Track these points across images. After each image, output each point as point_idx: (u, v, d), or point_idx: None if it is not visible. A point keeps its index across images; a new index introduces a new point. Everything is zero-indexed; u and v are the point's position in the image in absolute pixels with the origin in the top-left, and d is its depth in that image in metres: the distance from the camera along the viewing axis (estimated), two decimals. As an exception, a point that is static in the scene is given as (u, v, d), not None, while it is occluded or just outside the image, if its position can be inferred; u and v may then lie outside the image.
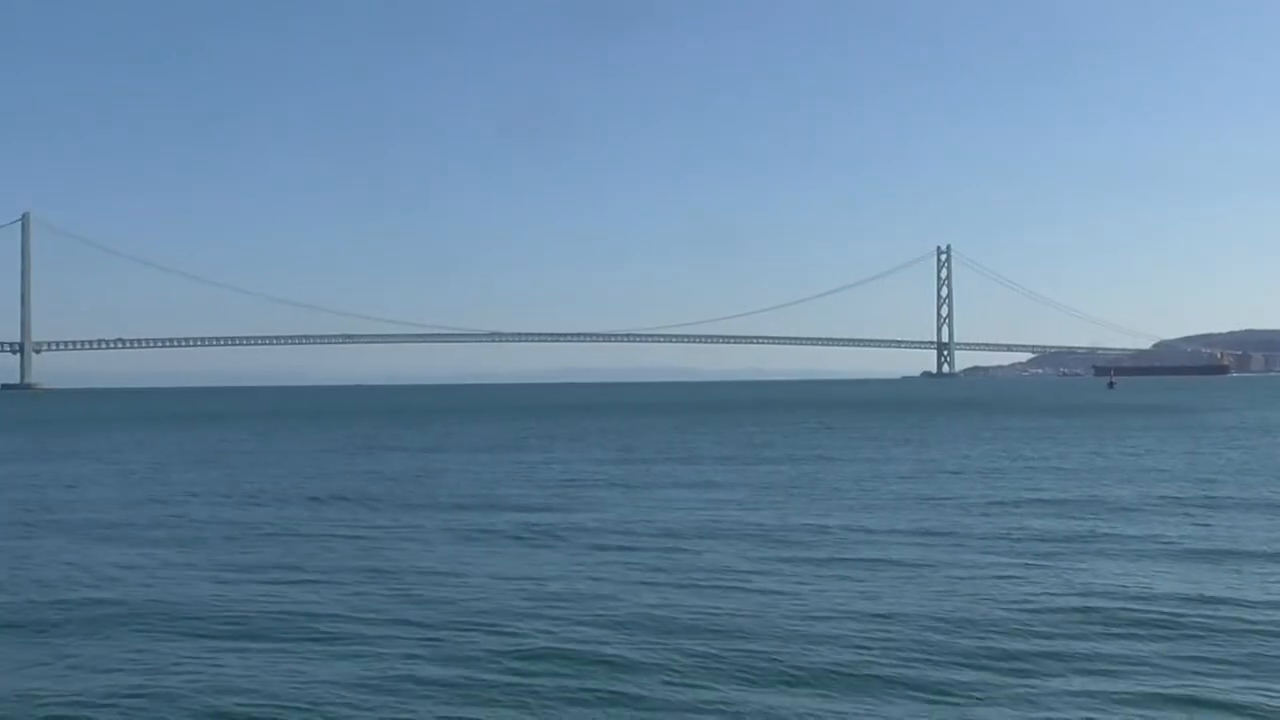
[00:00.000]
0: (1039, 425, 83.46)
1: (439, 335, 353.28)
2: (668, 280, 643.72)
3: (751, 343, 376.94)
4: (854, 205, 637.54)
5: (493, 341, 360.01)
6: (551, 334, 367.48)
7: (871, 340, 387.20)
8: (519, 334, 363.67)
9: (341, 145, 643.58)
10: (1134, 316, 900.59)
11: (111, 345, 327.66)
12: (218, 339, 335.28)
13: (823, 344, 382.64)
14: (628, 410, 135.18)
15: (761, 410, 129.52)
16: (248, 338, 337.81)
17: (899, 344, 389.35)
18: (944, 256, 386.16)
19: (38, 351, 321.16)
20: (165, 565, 24.88)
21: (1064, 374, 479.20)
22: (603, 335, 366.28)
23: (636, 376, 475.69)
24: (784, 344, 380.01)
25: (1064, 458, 51.58)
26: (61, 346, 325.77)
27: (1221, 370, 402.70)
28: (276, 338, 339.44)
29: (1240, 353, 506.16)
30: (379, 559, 25.15)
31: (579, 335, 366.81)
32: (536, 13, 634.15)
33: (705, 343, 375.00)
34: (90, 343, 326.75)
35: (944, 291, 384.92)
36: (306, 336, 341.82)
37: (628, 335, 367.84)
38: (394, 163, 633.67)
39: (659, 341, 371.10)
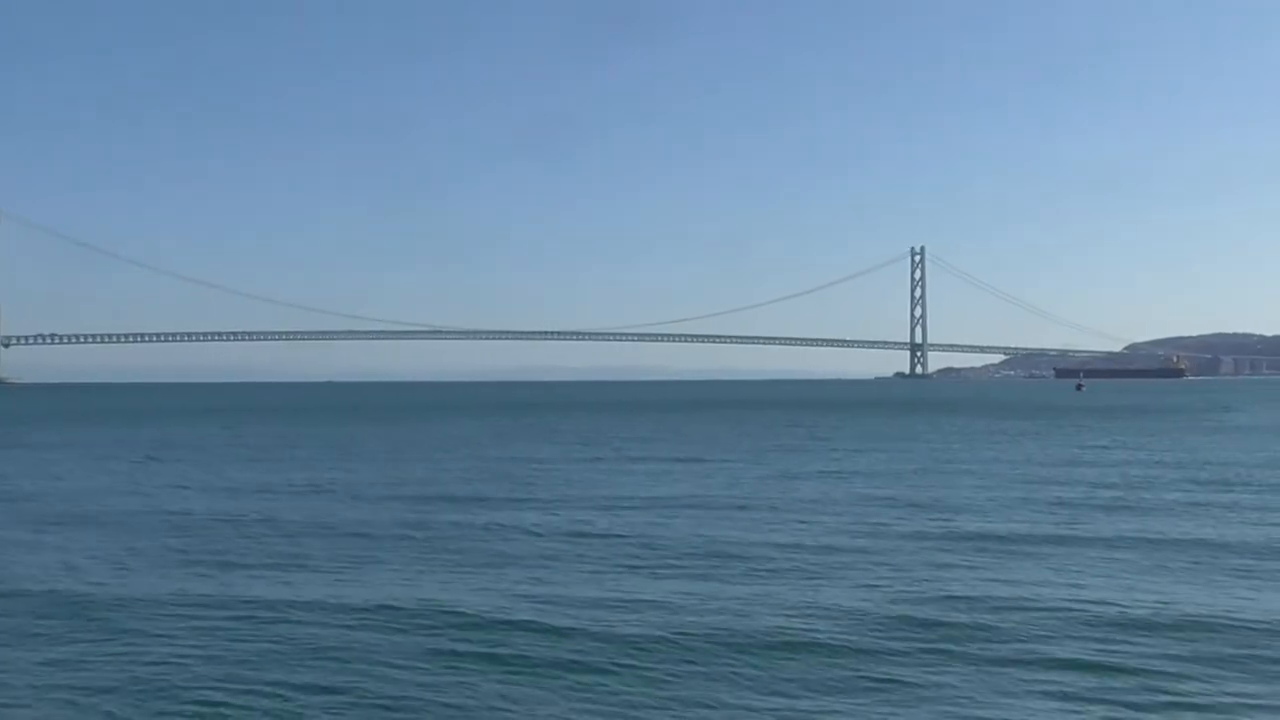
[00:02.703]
0: (986, 426, 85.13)
1: (418, 332, 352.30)
2: (643, 281, 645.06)
3: (725, 343, 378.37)
4: (829, 206, 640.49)
5: (466, 339, 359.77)
6: (510, 331, 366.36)
7: (845, 341, 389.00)
8: (491, 331, 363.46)
9: (333, 144, 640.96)
10: (1106, 319, 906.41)
11: (82, 340, 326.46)
12: (188, 334, 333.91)
13: (797, 344, 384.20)
14: (591, 409, 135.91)
15: (721, 409, 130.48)
16: (220, 333, 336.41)
17: (873, 345, 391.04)
18: (918, 258, 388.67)
19: (6, 345, 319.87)
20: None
21: (1031, 376, 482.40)
22: (574, 333, 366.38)
23: (611, 375, 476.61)
24: (758, 344, 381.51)
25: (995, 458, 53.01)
26: (30, 340, 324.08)
27: (1177, 374, 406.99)
28: (258, 334, 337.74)
29: (1210, 356, 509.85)
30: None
31: (551, 333, 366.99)
32: (540, 17, 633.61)
33: (681, 342, 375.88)
34: (61, 337, 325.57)
35: (918, 293, 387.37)
36: (290, 333, 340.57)
37: (600, 334, 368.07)
38: (391, 160, 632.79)
39: (634, 341, 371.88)
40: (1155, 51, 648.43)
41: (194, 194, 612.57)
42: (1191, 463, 49.20)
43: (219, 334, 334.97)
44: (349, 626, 18.44)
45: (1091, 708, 14.21)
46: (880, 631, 17.77)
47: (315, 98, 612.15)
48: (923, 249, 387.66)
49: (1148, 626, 17.92)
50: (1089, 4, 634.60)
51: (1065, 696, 14.60)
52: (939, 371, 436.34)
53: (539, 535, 28.43)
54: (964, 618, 18.57)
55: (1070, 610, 18.98)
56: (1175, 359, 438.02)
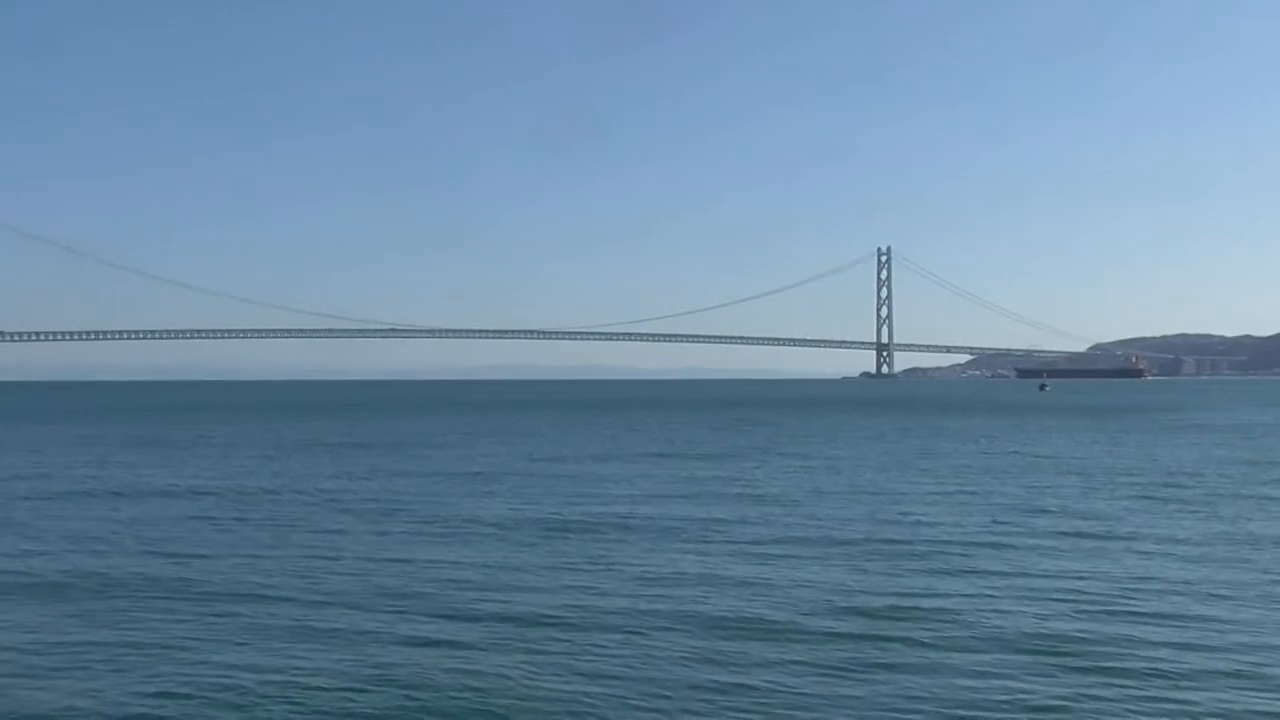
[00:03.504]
0: (942, 425, 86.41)
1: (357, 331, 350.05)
2: (613, 279, 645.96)
3: (692, 342, 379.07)
4: (796, 206, 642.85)
5: (429, 338, 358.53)
6: (476, 330, 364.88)
7: (812, 340, 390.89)
8: (455, 330, 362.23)
9: (311, 138, 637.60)
10: (1071, 320, 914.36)
11: (33, 338, 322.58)
12: (144, 332, 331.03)
13: (763, 344, 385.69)
14: (555, 407, 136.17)
15: (674, 409, 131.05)
16: (176, 332, 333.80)
17: (839, 345, 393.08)
18: (884, 258, 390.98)
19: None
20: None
21: (994, 376, 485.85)
22: (541, 333, 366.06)
23: (578, 375, 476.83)
24: (724, 344, 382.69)
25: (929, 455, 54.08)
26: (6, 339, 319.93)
27: (1137, 374, 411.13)
28: (208, 331, 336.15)
29: (1172, 356, 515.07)
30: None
31: (521, 333, 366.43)
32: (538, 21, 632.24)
33: (648, 341, 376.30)
34: (10, 335, 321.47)
35: (884, 293, 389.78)
36: (250, 331, 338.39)
37: (566, 333, 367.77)
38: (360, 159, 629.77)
39: (600, 340, 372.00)
40: (1120, 55, 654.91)
41: (155, 189, 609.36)
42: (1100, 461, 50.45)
43: (182, 332, 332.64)
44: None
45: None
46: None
47: (289, 89, 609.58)
48: (889, 249, 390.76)
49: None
50: (1054, 8, 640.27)
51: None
52: (905, 371, 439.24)
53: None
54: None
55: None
56: (1135, 359, 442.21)
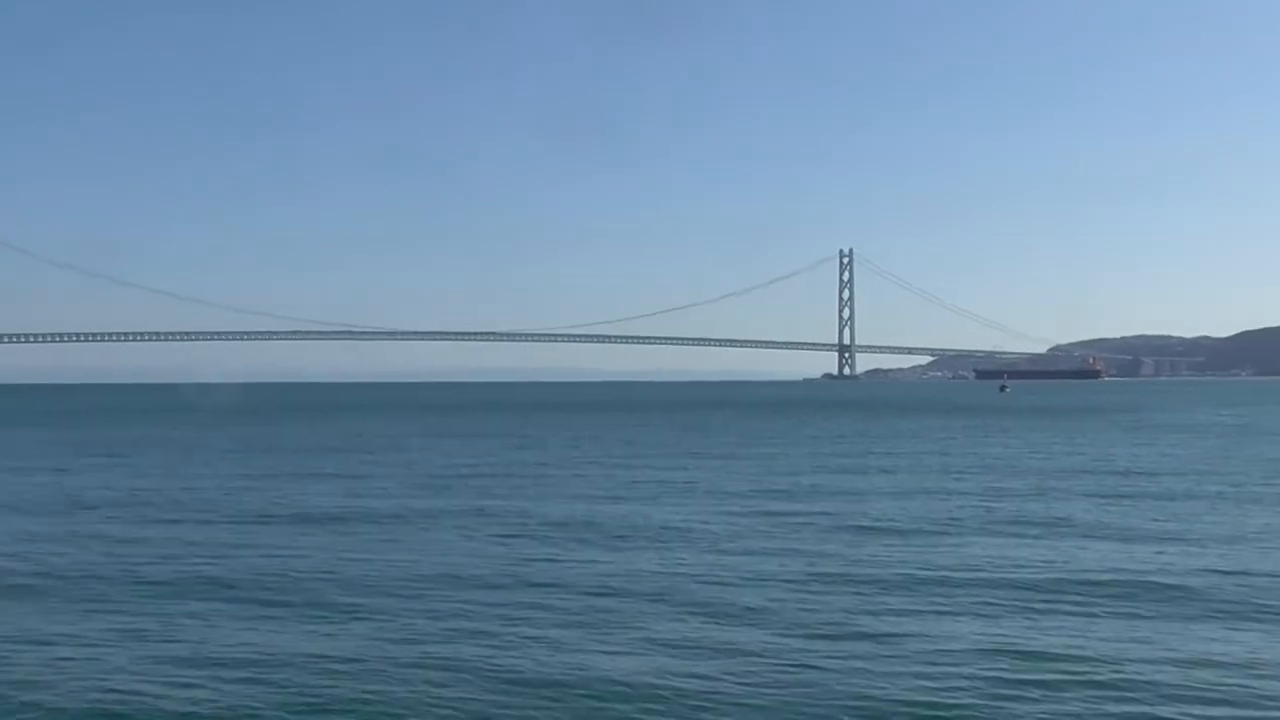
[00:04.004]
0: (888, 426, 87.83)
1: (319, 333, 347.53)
2: (572, 280, 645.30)
3: (656, 343, 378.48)
4: (759, 208, 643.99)
5: (388, 340, 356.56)
6: (434, 332, 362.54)
7: (774, 342, 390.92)
8: (413, 332, 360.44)
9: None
10: (1031, 321, 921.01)
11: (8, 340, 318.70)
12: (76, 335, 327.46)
13: (727, 345, 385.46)
14: (510, 409, 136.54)
15: (633, 411, 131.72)
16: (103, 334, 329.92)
17: (800, 346, 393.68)
18: (846, 260, 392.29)
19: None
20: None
21: (955, 377, 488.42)
22: (506, 335, 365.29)
23: (544, 377, 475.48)
24: (688, 345, 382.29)
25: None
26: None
27: (1094, 375, 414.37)
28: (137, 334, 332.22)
29: (1131, 358, 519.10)
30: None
31: (487, 335, 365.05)
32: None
33: (609, 343, 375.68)
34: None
35: (846, 294, 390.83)
36: (200, 333, 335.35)
37: (527, 335, 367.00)
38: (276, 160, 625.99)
39: (560, 342, 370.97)
40: (1080, 57, 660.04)
41: (143, 189, 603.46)
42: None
43: (127, 334, 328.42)
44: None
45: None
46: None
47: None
48: (851, 251, 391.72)
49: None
50: (1016, 12, 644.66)
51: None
52: (867, 373, 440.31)
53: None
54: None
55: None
56: (1092, 361, 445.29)
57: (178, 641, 17.16)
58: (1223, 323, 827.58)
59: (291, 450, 61.46)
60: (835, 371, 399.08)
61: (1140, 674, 14.89)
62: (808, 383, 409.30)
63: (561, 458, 54.40)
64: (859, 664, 15.48)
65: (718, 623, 17.96)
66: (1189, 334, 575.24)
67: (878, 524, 29.08)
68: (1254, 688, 14.31)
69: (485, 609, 19.07)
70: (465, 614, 18.71)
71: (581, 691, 14.42)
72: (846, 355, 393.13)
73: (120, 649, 16.82)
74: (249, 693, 14.57)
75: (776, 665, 15.45)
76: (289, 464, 51.69)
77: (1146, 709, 13.66)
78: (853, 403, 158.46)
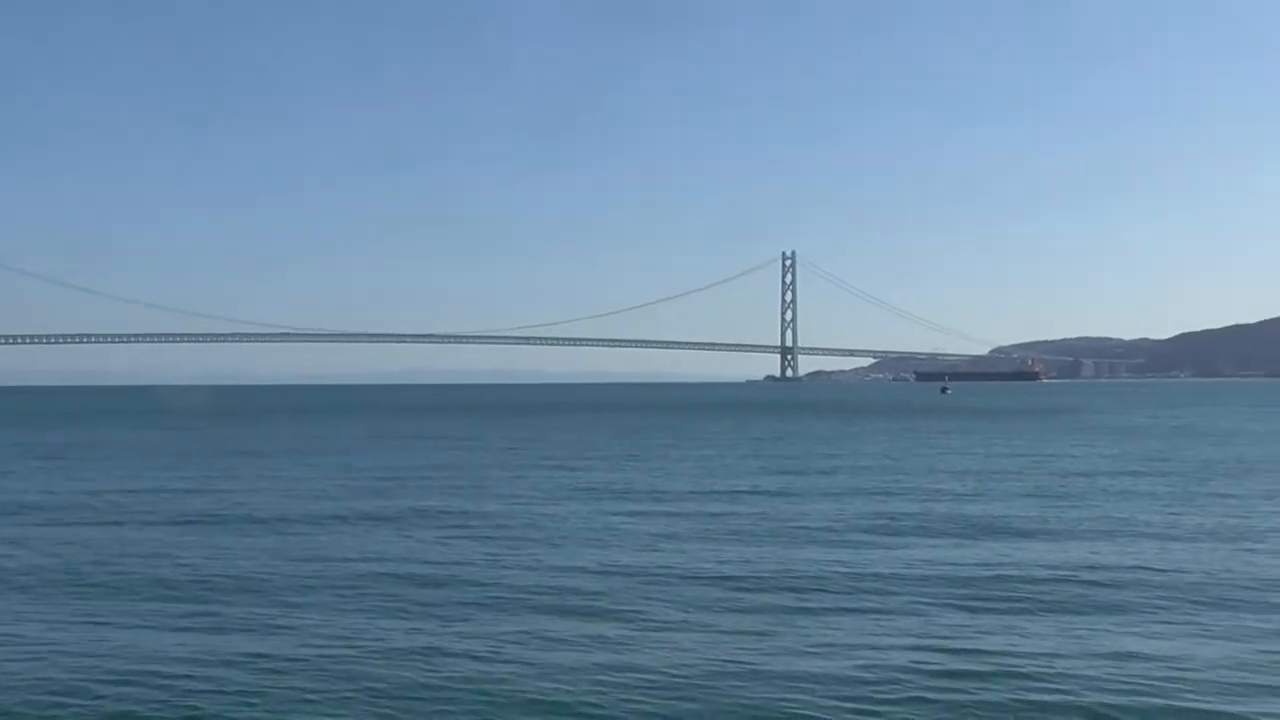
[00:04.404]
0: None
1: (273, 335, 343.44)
2: (510, 282, 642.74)
3: (597, 345, 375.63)
4: (701, 210, 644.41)
5: (330, 342, 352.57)
6: (377, 334, 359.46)
7: (717, 344, 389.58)
8: (350, 335, 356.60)
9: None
10: (973, 323, 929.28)
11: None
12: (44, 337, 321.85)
13: (668, 347, 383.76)
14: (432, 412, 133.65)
15: (565, 413, 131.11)
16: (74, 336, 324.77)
17: (742, 348, 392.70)
18: (789, 262, 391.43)
19: None
20: None
21: (896, 379, 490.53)
22: (443, 336, 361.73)
23: (479, 378, 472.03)
24: (629, 347, 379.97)
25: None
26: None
27: (1033, 376, 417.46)
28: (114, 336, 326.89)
29: (1072, 359, 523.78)
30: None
31: (423, 337, 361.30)
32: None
33: (549, 345, 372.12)
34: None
35: (788, 296, 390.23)
36: (141, 335, 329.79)
37: (469, 337, 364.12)
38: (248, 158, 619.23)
39: (500, 344, 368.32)
40: (1022, 63, 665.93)
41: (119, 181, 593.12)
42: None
43: (72, 336, 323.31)
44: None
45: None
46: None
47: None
48: (793, 254, 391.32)
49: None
50: (962, 16, 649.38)
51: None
52: (809, 375, 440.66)
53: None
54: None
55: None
56: (1030, 363, 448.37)
57: (114, 641, 17.12)
58: (1162, 325, 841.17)
59: (231, 454, 60.41)
60: (778, 374, 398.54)
61: (1071, 669, 14.95)
62: (750, 384, 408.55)
63: (502, 460, 54.36)
64: (791, 663, 15.46)
65: (647, 622, 18.02)
66: (1129, 336, 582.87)
67: (815, 525, 28.98)
68: (1180, 680, 14.49)
69: (424, 608, 19.15)
70: (402, 612, 18.83)
71: (513, 689, 14.40)
72: (789, 357, 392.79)
73: (57, 649, 16.73)
74: (188, 688, 14.61)
75: (709, 664, 15.43)
76: (231, 467, 51.52)
77: (1074, 699, 13.74)
78: (792, 405, 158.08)
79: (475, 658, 15.79)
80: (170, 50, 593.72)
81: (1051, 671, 14.81)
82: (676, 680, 14.63)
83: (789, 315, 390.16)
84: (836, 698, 13.90)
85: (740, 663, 15.41)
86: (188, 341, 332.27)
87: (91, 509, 34.54)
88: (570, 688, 14.38)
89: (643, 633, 17.25)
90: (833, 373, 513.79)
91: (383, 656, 15.84)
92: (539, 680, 14.69)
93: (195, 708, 13.91)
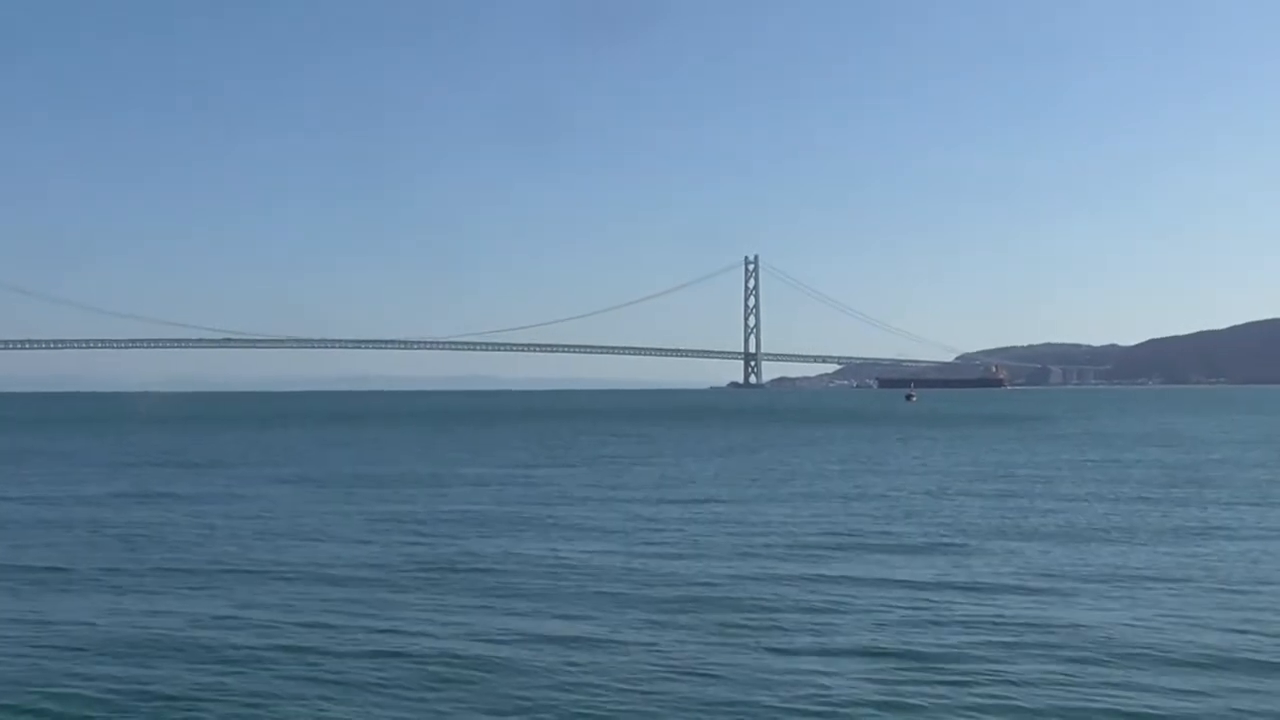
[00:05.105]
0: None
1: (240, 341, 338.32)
2: (471, 287, 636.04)
3: (558, 351, 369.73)
4: (664, 214, 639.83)
5: (291, 348, 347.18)
6: (339, 340, 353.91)
7: (680, 350, 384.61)
8: (313, 340, 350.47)
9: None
10: (940, 329, 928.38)
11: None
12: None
13: (631, 353, 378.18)
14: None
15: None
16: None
17: (705, 354, 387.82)
18: (752, 267, 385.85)
19: None
20: None
21: (860, 385, 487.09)
22: (404, 343, 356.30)
23: (441, 385, 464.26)
24: (590, 353, 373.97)
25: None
26: None
27: (998, 383, 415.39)
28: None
29: (1039, 366, 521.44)
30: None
31: (379, 343, 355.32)
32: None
33: (510, 351, 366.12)
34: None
35: (752, 302, 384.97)
36: (104, 341, 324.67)
37: (432, 343, 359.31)
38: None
39: (464, 350, 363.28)
40: (991, 68, 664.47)
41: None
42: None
43: (18, 343, 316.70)
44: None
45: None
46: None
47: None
48: (756, 258, 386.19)
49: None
50: (940, 18, 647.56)
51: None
52: (773, 381, 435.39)
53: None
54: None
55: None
56: (995, 369, 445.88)
57: (65, 627, 17.08)
58: (1131, 331, 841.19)
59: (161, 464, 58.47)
60: (741, 380, 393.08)
61: (1024, 675, 14.85)
62: (714, 391, 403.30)
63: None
64: (748, 667, 15.33)
65: (607, 625, 17.78)
66: (1097, 342, 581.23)
67: (774, 532, 28.61)
68: (1132, 679, 14.48)
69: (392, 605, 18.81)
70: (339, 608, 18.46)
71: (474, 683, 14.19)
72: (753, 364, 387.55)
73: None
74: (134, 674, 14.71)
75: (664, 668, 15.29)
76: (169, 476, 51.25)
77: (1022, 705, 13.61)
78: (754, 411, 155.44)
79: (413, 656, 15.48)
80: (129, 54, 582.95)
81: (999, 676, 14.71)
82: (629, 684, 14.52)
83: (752, 321, 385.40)
84: (788, 699, 13.80)
85: (695, 672, 15.15)
86: (160, 347, 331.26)
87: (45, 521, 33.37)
88: (521, 693, 14.15)
89: (593, 639, 16.96)
90: (796, 379, 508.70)
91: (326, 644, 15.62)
92: (485, 682, 14.49)
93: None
